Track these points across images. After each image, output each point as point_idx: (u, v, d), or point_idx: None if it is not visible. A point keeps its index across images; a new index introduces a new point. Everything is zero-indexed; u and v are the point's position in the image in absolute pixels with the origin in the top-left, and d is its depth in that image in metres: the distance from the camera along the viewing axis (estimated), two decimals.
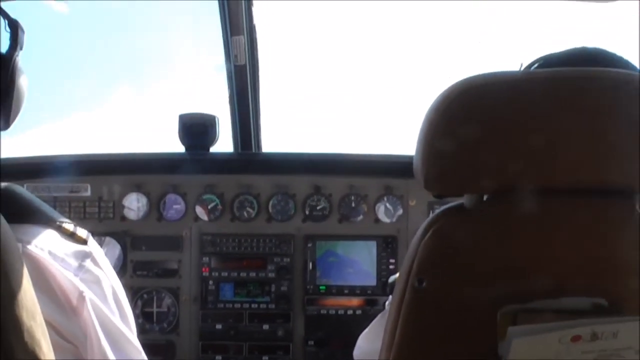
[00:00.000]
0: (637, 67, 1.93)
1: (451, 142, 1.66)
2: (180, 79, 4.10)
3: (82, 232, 1.90)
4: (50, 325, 1.72)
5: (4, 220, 1.57)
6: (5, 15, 1.94)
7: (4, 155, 1.80)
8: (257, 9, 3.15)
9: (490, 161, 1.64)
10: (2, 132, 2.02)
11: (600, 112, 1.62)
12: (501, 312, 1.62)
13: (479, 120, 1.64)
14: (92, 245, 1.91)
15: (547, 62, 1.96)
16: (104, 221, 3.24)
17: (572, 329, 1.59)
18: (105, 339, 1.88)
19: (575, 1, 2.69)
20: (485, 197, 1.69)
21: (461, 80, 1.65)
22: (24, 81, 1.94)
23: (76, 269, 1.85)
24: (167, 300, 3.25)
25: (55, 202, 1.91)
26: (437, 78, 1.63)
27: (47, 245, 1.82)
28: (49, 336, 1.66)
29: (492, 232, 1.69)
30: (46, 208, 1.90)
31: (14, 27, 1.94)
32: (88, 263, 1.89)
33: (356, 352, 2.04)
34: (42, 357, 1.60)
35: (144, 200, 3.28)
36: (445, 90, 1.65)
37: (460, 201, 1.70)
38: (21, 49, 1.95)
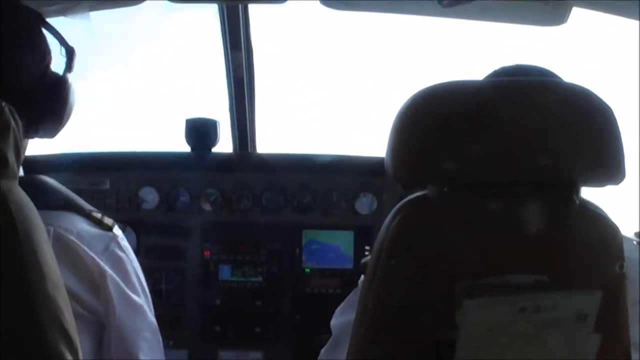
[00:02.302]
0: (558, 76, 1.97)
1: (415, 140, 1.68)
2: (186, 85, 4.13)
3: (108, 221, 1.94)
4: (75, 297, 1.79)
5: (31, 204, 1.61)
6: (64, 42, 1.99)
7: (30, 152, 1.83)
8: (253, 23, 3.13)
9: (448, 156, 1.65)
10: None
11: (541, 116, 1.65)
12: (458, 287, 1.62)
13: (439, 121, 1.66)
14: (117, 232, 1.96)
15: (496, 74, 2.02)
16: (121, 211, 3.27)
17: (518, 302, 1.60)
18: (123, 312, 1.92)
19: (529, 25, 2.67)
20: (446, 189, 1.68)
21: (424, 88, 1.68)
22: (74, 98, 1.98)
23: (101, 251, 1.89)
24: (175, 279, 3.30)
25: (79, 194, 1.95)
26: (408, 88, 1.67)
27: (75, 229, 1.86)
28: (74, 308, 1.69)
29: (451, 219, 1.68)
30: (77, 198, 1.94)
31: (70, 53, 1.98)
32: (112, 247, 1.93)
33: (332, 322, 2.04)
34: (64, 324, 1.63)
35: (155, 193, 3.33)
36: (411, 96, 1.68)
37: (425, 192, 1.70)
38: (72, 71, 1.99)
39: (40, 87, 1.93)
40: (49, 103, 1.95)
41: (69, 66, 1.99)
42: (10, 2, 2.15)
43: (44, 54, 1.97)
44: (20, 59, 1.91)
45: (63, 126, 2.01)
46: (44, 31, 1.99)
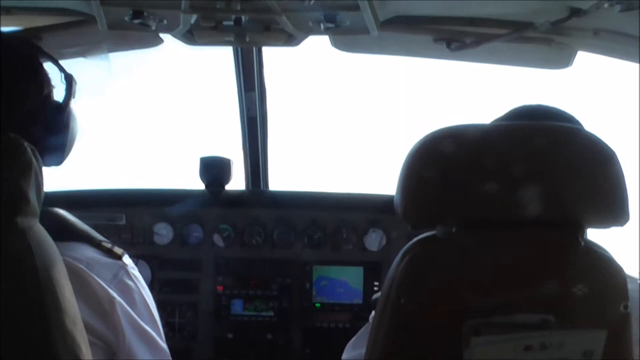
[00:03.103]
0: (574, 117, 1.99)
1: (424, 182, 1.70)
2: (201, 124, 4.15)
3: (118, 250, 1.94)
4: (85, 325, 1.74)
5: (51, 241, 1.64)
6: (62, 70, 1.99)
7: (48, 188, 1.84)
8: (267, 64, 3.18)
9: (456, 198, 1.67)
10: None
11: (547, 158, 1.67)
12: (466, 325, 1.62)
13: (447, 163, 1.68)
14: (127, 260, 1.95)
15: (517, 113, 2.02)
16: (135, 245, 3.27)
17: (524, 340, 1.61)
18: (132, 339, 1.91)
19: (537, 68, 2.70)
20: (454, 229, 1.69)
21: (433, 131, 1.70)
22: (76, 125, 2.00)
23: (110, 279, 1.89)
24: (187, 313, 3.29)
25: (96, 229, 1.95)
26: (418, 128, 1.68)
27: (84, 257, 1.86)
28: (89, 341, 1.71)
29: (459, 258, 1.68)
30: (87, 229, 1.93)
31: (69, 80, 1.99)
32: (121, 275, 1.93)
33: (344, 357, 2.04)
34: (80, 357, 1.64)
35: (169, 228, 3.33)
36: (421, 139, 1.70)
37: (433, 232, 1.72)
38: (74, 97, 1.99)
39: (41, 115, 1.94)
40: (50, 130, 1.96)
41: (69, 93, 2.00)
42: (8, 36, 2.17)
43: (43, 83, 1.98)
44: (21, 90, 1.92)
45: (68, 152, 2.01)
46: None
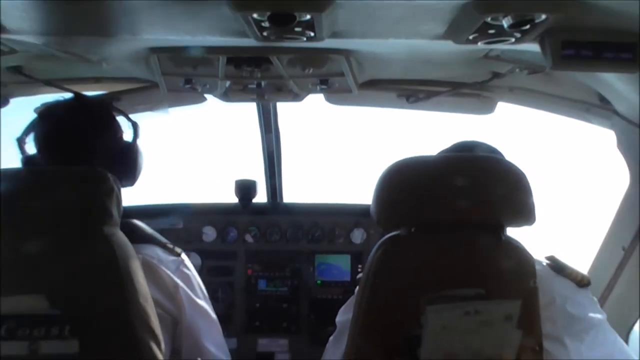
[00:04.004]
0: (497, 149, 1.95)
1: (391, 197, 1.72)
2: (236, 157, 4.16)
3: (178, 249, 1.94)
4: (157, 304, 1.76)
5: (128, 243, 1.66)
6: (129, 119, 2.00)
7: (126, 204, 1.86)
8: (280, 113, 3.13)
9: (414, 208, 1.69)
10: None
11: (478, 177, 1.68)
12: (423, 298, 1.64)
13: (407, 183, 1.70)
14: (183, 257, 1.95)
15: (457, 147, 2.00)
16: (190, 242, 3.26)
17: (464, 308, 1.63)
18: (191, 312, 1.91)
19: (470, 114, 2.68)
20: (413, 230, 1.70)
21: (397, 160, 1.71)
22: (141, 157, 1.99)
23: (174, 270, 1.89)
24: (227, 290, 3.26)
25: (161, 232, 1.95)
26: (386, 158, 1.69)
27: (156, 255, 1.87)
28: (158, 313, 1.71)
29: (417, 251, 1.71)
30: (155, 234, 1.94)
31: (135, 126, 1.99)
32: (181, 267, 1.93)
33: (337, 319, 2.00)
34: (151, 325, 1.66)
35: (213, 230, 3.31)
36: (389, 165, 1.71)
37: (398, 232, 1.71)
38: (139, 137, 1.99)
39: (117, 152, 1.95)
40: (123, 163, 1.96)
41: (135, 135, 2.00)
42: (90, 99, 2.18)
43: (116, 130, 1.99)
44: (101, 136, 1.94)
45: (137, 178, 2.01)
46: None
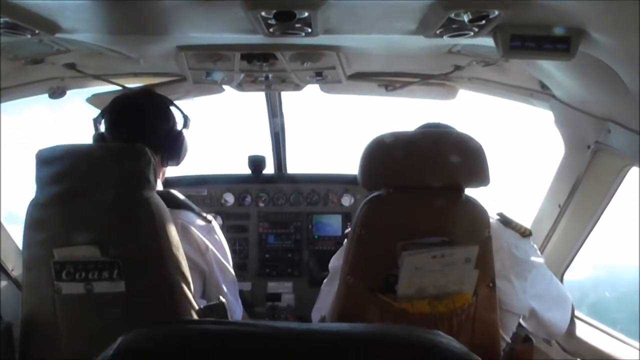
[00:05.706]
0: (455, 128, 1.92)
1: (374, 164, 1.72)
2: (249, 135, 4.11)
3: (209, 217, 1.93)
4: (190, 260, 1.77)
5: (163, 204, 1.65)
6: (183, 113, 2.02)
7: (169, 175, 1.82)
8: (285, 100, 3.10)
9: (392, 173, 1.70)
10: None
11: (442, 148, 1.68)
12: (399, 244, 1.66)
13: (387, 153, 1.70)
14: (214, 223, 1.95)
15: (424, 126, 1.99)
16: (213, 206, 3.24)
17: (431, 252, 1.64)
18: (216, 269, 1.91)
19: (436, 100, 2.63)
20: (391, 190, 1.69)
21: (380, 134, 1.71)
22: (186, 144, 2.00)
23: (206, 234, 1.88)
24: (243, 244, 3.24)
25: (189, 198, 1.94)
26: (371, 132, 1.68)
27: (190, 220, 1.86)
28: (190, 266, 1.72)
29: (395, 207, 1.70)
30: (190, 203, 1.91)
31: (185, 118, 2.01)
32: (212, 232, 1.92)
33: (330, 265, 2.02)
34: (183, 269, 1.67)
35: (232, 196, 3.28)
36: (373, 139, 1.72)
37: (380, 192, 1.71)
38: (188, 128, 2.01)
39: (167, 139, 1.96)
40: (172, 148, 1.97)
41: (185, 126, 2.01)
42: (149, 91, 2.17)
43: (170, 120, 1.99)
44: (157, 124, 1.95)
45: (182, 160, 2.02)
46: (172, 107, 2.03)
